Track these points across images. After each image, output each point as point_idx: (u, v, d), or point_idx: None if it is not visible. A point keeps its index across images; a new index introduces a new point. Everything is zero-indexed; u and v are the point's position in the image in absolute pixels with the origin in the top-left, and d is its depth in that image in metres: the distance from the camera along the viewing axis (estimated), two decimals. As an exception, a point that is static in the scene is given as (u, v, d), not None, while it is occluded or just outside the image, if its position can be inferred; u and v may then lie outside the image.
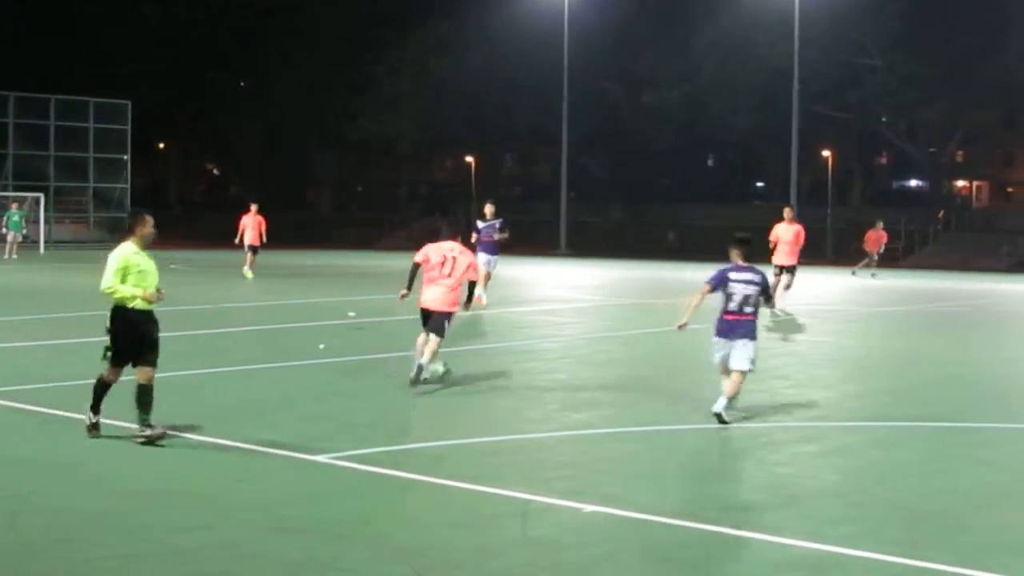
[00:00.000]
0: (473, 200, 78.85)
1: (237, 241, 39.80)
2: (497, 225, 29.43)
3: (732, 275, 14.66)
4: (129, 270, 12.35)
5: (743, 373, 14.47)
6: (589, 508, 10.08)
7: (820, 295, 36.33)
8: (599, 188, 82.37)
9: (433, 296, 17.01)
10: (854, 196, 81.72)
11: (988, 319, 30.32)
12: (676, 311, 15.71)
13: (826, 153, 76.26)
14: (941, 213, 75.90)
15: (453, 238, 17.44)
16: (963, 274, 50.46)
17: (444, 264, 17.00)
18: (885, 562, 8.80)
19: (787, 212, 30.12)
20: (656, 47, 74.08)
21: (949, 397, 16.78)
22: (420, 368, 16.54)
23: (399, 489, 10.82)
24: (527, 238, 63.10)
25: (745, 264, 14.76)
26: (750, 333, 14.57)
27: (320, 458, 11.72)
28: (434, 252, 17.14)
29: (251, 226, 39.13)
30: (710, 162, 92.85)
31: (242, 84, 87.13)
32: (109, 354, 12.46)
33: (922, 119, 75.17)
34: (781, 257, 29.40)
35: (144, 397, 12.33)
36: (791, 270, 29.60)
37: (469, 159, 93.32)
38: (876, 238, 48.51)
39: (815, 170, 77.66)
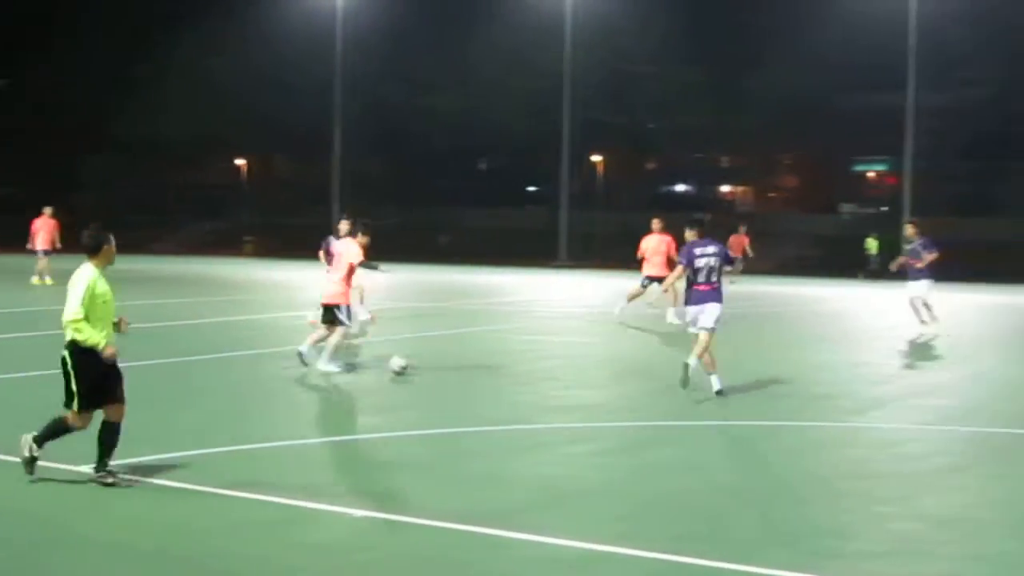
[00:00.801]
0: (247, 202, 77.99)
1: (29, 246, 38.85)
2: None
3: (697, 251, 16.80)
4: (95, 299, 10.78)
5: (710, 331, 16.65)
6: (360, 513, 10.12)
7: (589, 297, 36.86)
8: (376, 191, 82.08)
9: (324, 291, 18.94)
10: (623, 200, 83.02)
11: (748, 320, 31.10)
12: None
13: (597, 158, 77.39)
14: (708, 217, 77.65)
15: (351, 236, 19.30)
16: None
17: (332, 261, 19.26)
18: (650, 559, 9.00)
19: (656, 223, 29.56)
20: (435, 51, 74.21)
21: (712, 396, 17.20)
22: (300, 354, 18.68)
23: (175, 498, 10.67)
24: (298, 242, 62.59)
25: (704, 239, 16.94)
26: (718, 298, 16.79)
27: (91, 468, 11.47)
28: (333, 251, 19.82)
29: (44, 230, 38.38)
30: (483, 165, 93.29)
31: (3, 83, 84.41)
32: (76, 401, 10.86)
33: (690, 125, 76.68)
34: (654, 268, 29.04)
35: (113, 436, 10.98)
36: (660, 281, 29.24)
37: (242, 161, 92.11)
38: (738, 242, 48.81)
39: (586, 174, 78.74)
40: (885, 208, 74.56)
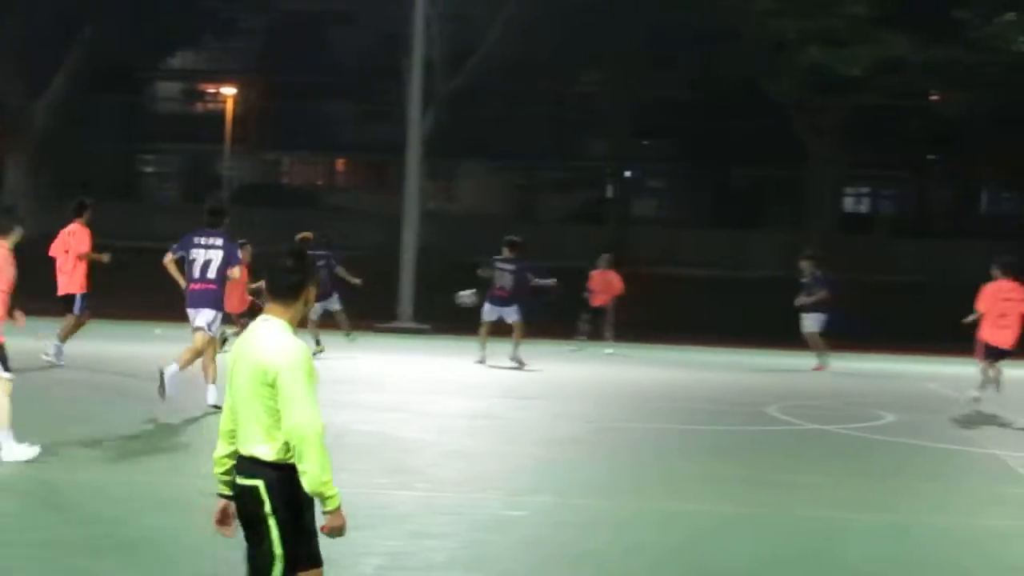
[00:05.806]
0: None
1: None
2: None
3: (196, 239, 14.18)
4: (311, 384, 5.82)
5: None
6: None
7: None
8: None
9: None
10: None
11: None
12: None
13: None
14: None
15: None
16: None
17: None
18: None
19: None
20: None
21: None
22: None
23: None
24: None
25: (213, 230, 14.25)
26: (214, 303, 14.28)
27: None
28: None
29: None
30: None
31: None
32: (280, 566, 5.81)
33: None
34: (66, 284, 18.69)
35: None
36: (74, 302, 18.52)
37: None
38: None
39: None
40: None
